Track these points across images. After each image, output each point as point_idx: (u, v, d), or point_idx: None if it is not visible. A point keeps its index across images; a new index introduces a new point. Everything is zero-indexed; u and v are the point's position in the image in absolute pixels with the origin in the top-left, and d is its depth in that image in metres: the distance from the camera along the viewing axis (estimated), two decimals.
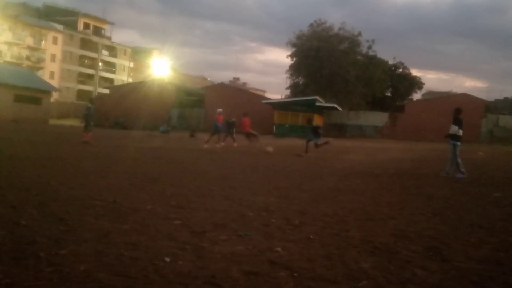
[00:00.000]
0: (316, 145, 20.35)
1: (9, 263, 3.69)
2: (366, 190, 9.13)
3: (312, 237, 5.02)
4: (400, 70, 64.92)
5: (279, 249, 4.47)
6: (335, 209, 6.71)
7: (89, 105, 19.92)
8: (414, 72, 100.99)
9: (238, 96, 51.50)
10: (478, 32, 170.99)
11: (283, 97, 61.15)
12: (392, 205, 7.44)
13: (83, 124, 19.55)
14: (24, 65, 66.07)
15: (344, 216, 6.26)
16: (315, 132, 20.81)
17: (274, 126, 42.50)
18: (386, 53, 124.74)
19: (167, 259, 3.97)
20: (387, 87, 62.82)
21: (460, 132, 12.47)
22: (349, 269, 3.98)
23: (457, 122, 12.47)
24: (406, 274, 3.91)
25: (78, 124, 27.71)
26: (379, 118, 49.95)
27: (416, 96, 68.13)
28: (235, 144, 22.77)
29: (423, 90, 71.81)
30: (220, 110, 23.08)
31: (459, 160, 12.32)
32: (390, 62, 63.39)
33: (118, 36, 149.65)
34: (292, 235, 5.07)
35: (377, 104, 55.60)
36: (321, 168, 13.63)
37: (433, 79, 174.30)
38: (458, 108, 12.91)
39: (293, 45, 55.57)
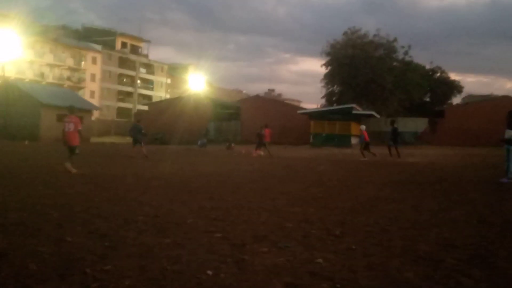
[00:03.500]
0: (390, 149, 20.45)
1: (56, 279, 3.80)
2: (407, 198, 8.97)
3: (353, 247, 4.96)
4: (438, 74, 63.75)
5: (320, 260, 4.44)
6: (376, 219, 6.62)
7: (136, 123, 22.79)
8: (453, 76, 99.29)
9: (273, 108, 51.47)
10: None
11: (318, 106, 60.93)
12: (435, 212, 7.27)
13: (139, 140, 21.80)
14: (65, 86, 68.09)
15: (385, 225, 6.17)
16: (395, 135, 20.85)
17: (311, 136, 42.26)
18: (423, 58, 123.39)
19: (209, 272, 4.01)
20: (425, 92, 61.75)
21: None
22: (393, 279, 3.91)
23: None
24: (451, 283, 3.82)
25: (119, 141, 28.79)
26: (418, 124, 48.91)
27: (456, 100, 66.68)
28: (261, 152, 24.40)
29: (463, 94, 70.22)
30: (363, 126, 23.66)
31: (510, 165, 11.84)
32: (427, 67, 62.40)
33: (155, 54, 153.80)
34: (333, 246, 5.02)
35: (416, 109, 54.61)
36: (359, 177, 13.48)
37: (472, 83, 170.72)
38: (511, 111, 12.34)
39: (327, 54, 55.39)
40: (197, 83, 79.59)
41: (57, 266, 4.14)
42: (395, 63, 55.39)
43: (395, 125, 22.11)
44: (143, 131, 22.06)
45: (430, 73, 62.64)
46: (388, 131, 21.78)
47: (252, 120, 49.68)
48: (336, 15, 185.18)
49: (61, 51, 72.12)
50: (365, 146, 22.45)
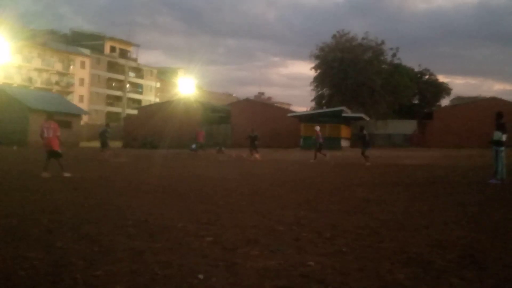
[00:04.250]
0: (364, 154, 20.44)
1: (46, 285, 3.77)
2: (397, 200, 9.01)
3: (344, 250, 4.97)
4: (427, 76, 64.26)
5: (311, 263, 4.44)
6: (367, 221, 6.64)
7: (105, 127, 25.29)
8: (441, 78, 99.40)
9: (263, 111, 51.51)
10: (504, 35, 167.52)
11: (308, 109, 61.10)
12: (425, 214, 7.32)
13: (107, 143, 24.70)
14: (54, 90, 67.73)
15: (376, 227, 6.19)
16: (364, 140, 20.92)
17: (301, 139, 42.35)
18: (411, 61, 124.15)
19: (201, 277, 3.99)
20: (414, 94, 62.23)
21: (504, 137, 12.04)
22: (384, 281, 3.92)
23: (500, 127, 12.07)
24: (442, 285, 3.84)
25: (114, 146, 30.08)
26: (408, 126, 49.23)
27: (444, 102, 67.24)
28: (258, 156, 24.50)
29: (451, 96, 70.85)
30: (317, 127, 24.38)
31: (499, 166, 11.96)
32: (416, 69, 62.85)
33: (144, 58, 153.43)
34: (324, 249, 5.03)
35: (405, 112, 55.04)
36: (350, 179, 13.52)
37: (460, 85, 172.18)
38: (500, 112, 12.34)
39: (317, 57, 55.59)
40: (187, 86, 79.61)
41: (47, 272, 4.10)
42: (383, 66, 55.71)
43: (364, 131, 22.21)
44: (107, 134, 24.63)
45: (419, 75, 63.12)
46: (365, 134, 21.82)
47: (243, 123, 49.76)
48: (325, 19, 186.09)
49: (50, 56, 71.74)
50: (318, 147, 23.14)
